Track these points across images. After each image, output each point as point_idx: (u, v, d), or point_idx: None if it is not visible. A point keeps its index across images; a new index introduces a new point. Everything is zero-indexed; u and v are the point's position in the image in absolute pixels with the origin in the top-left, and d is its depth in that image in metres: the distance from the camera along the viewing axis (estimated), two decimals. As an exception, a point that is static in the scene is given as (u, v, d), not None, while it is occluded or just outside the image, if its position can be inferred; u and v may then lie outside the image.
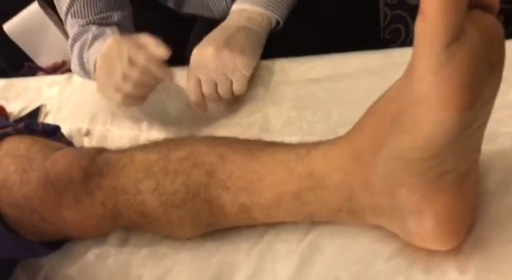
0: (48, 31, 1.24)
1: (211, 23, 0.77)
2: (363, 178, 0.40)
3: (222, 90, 0.65)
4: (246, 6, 0.68)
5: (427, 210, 0.37)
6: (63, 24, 1.26)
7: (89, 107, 0.85)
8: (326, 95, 0.55)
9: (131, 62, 0.64)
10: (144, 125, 0.72)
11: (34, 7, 1.22)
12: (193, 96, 0.67)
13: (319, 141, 0.46)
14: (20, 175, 0.62)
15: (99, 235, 0.65)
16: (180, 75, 0.77)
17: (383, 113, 0.37)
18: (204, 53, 0.65)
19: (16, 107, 0.99)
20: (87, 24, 0.79)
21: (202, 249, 0.56)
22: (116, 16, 0.80)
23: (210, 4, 0.88)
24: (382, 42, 0.81)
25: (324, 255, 0.46)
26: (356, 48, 0.60)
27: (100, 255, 0.67)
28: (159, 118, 0.72)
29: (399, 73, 0.35)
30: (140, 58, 0.63)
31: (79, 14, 0.79)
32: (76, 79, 0.94)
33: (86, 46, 0.75)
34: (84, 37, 0.77)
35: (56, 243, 0.68)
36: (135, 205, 0.55)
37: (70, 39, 0.81)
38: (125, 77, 0.65)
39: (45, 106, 0.94)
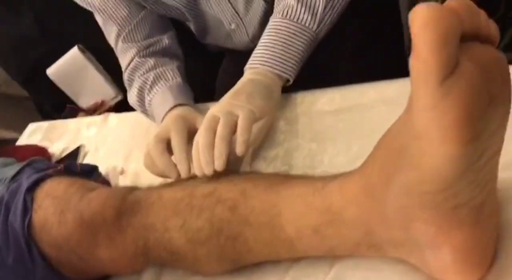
0: (87, 74, 1.30)
1: (238, 58, 0.79)
2: (378, 211, 0.39)
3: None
4: (254, 76, 0.67)
5: (444, 244, 0.37)
6: (101, 66, 1.33)
7: (124, 146, 0.88)
8: (346, 127, 0.55)
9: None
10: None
11: (74, 51, 1.29)
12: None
13: (336, 174, 0.46)
14: (58, 216, 0.65)
15: (133, 272, 0.67)
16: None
17: (390, 147, 0.37)
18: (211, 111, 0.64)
19: (58, 148, 1.04)
20: (140, 51, 0.84)
21: (229, 284, 0.57)
22: (165, 40, 0.86)
23: (232, 35, 0.90)
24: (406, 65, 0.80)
25: (348, 289, 0.46)
26: (381, 72, 0.60)
27: (136, 292, 0.68)
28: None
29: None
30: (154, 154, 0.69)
31: (129, 38, 0.84)
32: (112, 119, 0.98)
33: (147, 89, 0.81)
34: (142, 74, 0.83)
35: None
36: (164, 243, 0.56)
37: (125, 70, 0.86)
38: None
39: (84, 146, 0.98)
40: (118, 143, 0.91)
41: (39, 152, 1.02)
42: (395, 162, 0.36)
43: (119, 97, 1.32)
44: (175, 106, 0.75)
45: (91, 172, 0.81)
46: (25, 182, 0.72)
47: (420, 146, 0.33)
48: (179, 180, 0.62)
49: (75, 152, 0.98)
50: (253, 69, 0.67)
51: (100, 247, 0.62)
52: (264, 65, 0.66)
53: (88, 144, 0.98)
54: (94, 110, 1.30)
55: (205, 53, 1.03)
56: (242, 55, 0.77)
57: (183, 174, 0.64)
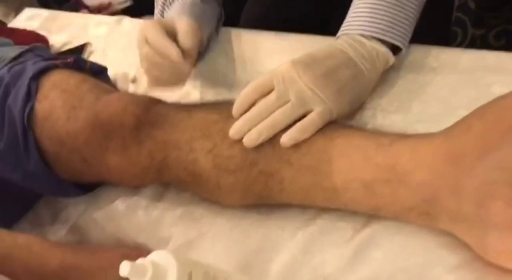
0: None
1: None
2: (455, 181, 0.37)
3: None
4: (361, 39, 0.51)
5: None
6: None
7: (136, 54, 0.82)
8: (407, 86, 0.52)
9: (146, 40, 0.60)
10: (198, 82, 0.69)
11: None
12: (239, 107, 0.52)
13: (403, 134, 0.43)
14: (68, 111, 0.60)
15: (138, 186, 0.63)
16: (233, 37, 0.73)
17: (498, 119, 0.35)
18: (294, 71, 0.49)
19: (59, 41, 0.96)
20: None
21: (244, 220, 0.54)
22: None
23: None
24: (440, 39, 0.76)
25: (382, 251, 0.44)
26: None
27: (131, 205, 0.65)
28: (214, 79, 0.69)
29: (492, 77, 0.32)
30: (151, 35, 0.58)
31: None
32: (126, 23, 0.91)
33: (167, 5, 0.72)
34: None
35: (88, 187, 0.67)
36: (185, 163, 0.53)
37: None
38: (140, 56, 0.63)
39: (90, 44, 0.91)
40: (131, 49, 0.84)
41: (39, 39, 0.94)
42: (501, 136, 0.34)
43: (128, 3, 1.23)
44: None
45: (100, 72, 0.75)
46: (31, 67, 0.66)
47: None
48: (214, 103, 0.57)
49: (80, 49, 0.91)
50: (353, 37, 0.51)
51: (110, 153, 0.57)
52: (372, 31, 0.51)
53: (95, 44, 0.91)
54: (98, 10, 1.21)
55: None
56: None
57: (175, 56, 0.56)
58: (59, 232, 0.69)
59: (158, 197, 0.63)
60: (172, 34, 0.58)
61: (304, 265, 0.47)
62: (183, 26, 0.56)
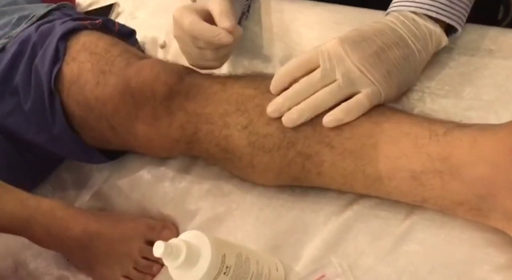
0: None
1: None
2: (518, 178, 0.34)
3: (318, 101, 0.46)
4: (414, 17, 0.47)
5: None
6: None
7: (168, 17, 0.78)
8: (459, 69, 0.48)
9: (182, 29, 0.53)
10: (233, 54, 0.66)
11: None
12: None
13: (459, 122, 0.40)
14: (97, 75, 0.58)
15: (166, 157, 0.61)
16: (269, 5, 0.69)
17: None
18: (342, 48, 0.45)
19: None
20: None
21: (276, 200, 0.52)
22: None
23: None
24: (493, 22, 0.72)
25: (423, 245, 0.42)
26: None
27: (157, 175, 0.63)
28: (248, 50, 0.66)
29: None
30: (188, 22, 0.51)
31: None
32: (156, -16, 0.87)
33: None
34: None
35: (113, 154, 0.65)
36: (218, 138, 0.51)
37: None
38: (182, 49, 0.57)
39: (118, 5, 0.87)
40: (161, 13, 0.81)
41: (66, -4, 0.91)
42: None
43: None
44: None
45: (129, 35, 0.72)
46: (59, 27, 0.63)
47: None
48: (250, 75, 0.54)
49: (107, 10, 0.87)
50: (405, 14, 0.47)
51: (140, 122, 0.55)
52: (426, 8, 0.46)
53: (122, 5, 0.87)
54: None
55: None
56: None
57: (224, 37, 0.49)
58: (82, 197, 0.68)
59: (185, 169, 0.61)
60: (207, 19, 0.52)
61: (336, 252, 0.45)
62: (217, 7, 0.51)
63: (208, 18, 0.51)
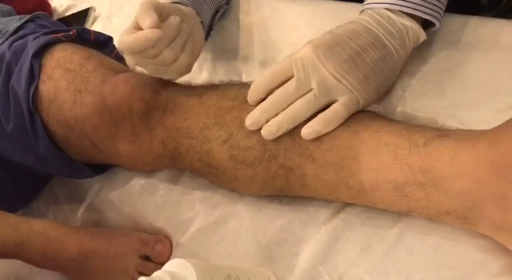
0: None
1: None
2: (501, 192, 0.33)
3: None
4: (389, 14, 0.45)
5: None
6: None
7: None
8: (441, 66, 0.47)
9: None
10: (209, 54, 0.65)
11: None
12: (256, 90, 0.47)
13: (441, 130, 0.39)
14: (73, 94, 0.56)
15: (151, 171, 0.60)
16: (247, 1, 0.66)
17: None
18: (315, 56, 0.43)
19: (61, 4, 0.91)
20: None
21: (265, 209, 0.51)
22: None
23: None
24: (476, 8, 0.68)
25: (414, 253, 0.41)
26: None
27: (147, 187, 0.62)
28: (226, 51, 0.64)
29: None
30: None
31: None
32: (130, -15, 0.85)
33: None
34: None
35: (102, 167, 0.64)
36: (200, 153, 0.50)
37: None
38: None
39: (94, 9, 0.85)
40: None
41: (41, 4, 0.89)
42: None
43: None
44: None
45: (105, 43, 0.70)
46: (32, 44, 0.61)
47: None
48: (227, 85, 0.53)
49: (83, 14, 0.85)
50: (379, 12, 0.45)
51: (121, 140, 0.54)
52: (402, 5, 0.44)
53: (99, 9, 0.85)
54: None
55: None
56: None
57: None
58: (76, 211, 0.68)
59: (174, 181, 0.60)
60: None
61: (326, 263, 0.45)
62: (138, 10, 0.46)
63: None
